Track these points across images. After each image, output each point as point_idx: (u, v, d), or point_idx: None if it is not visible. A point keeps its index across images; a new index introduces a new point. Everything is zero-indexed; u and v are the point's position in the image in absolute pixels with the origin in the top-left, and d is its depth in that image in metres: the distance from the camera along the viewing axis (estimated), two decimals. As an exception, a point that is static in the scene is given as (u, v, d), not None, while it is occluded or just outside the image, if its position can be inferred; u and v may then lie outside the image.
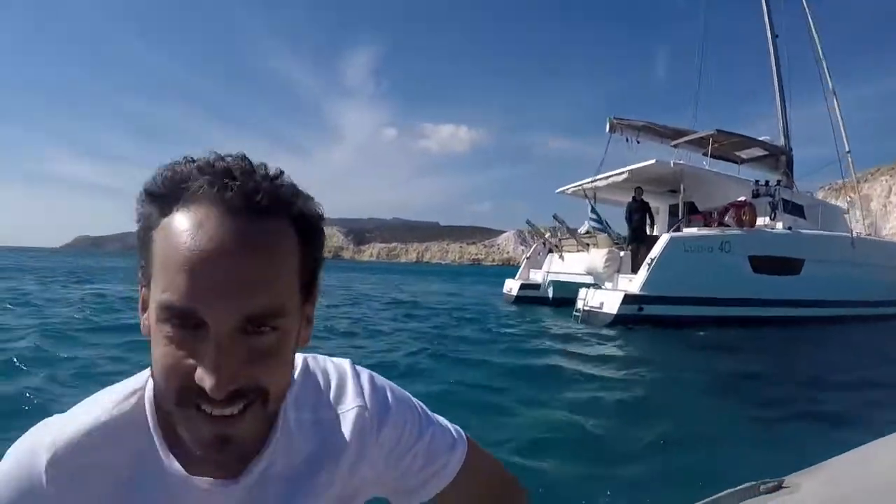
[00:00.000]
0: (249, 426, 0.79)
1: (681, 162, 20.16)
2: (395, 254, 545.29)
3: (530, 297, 23.07)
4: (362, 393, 1.03)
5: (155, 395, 0.84)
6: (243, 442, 0.81)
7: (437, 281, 55.43)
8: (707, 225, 17.60)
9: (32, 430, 0.87)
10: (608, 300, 16.13)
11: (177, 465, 0.85)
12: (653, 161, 18.99)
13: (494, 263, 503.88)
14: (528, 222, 24.49)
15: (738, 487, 2.35)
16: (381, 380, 1.09)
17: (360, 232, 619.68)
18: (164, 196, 0.77)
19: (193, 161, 0.79)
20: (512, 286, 24.21)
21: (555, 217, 21.58)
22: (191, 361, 0.74)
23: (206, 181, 0.75)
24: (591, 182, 21.22)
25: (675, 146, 22.27)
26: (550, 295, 22.19)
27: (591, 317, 16.52)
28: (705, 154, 21.05)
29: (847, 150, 22.12)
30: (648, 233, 18.26)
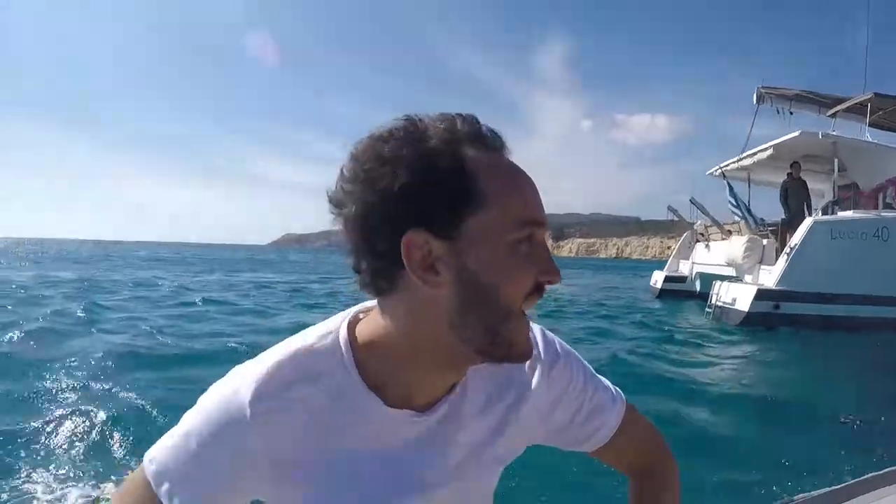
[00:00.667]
0: None
1: (833, 133, 17.31)
2: (594, 249, 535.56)
3: (675, 291, 21.33)
4: (536, 342, 1.10)
5: (479, 322, 0.88)
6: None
7: (609, 273, 55.90)
8: (862, 207, 15.21)
9: (231, 372, 0.96)
10: (740, 295, 14.49)
11: (374, 397, 0.94)
12: (797, 133, 16.43)
13: None
14: (669, 208, 22.26)
15: (885, 471, 2.32)
16: (550, 333, 1.17)
17: (558, 227, 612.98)
18: (455, 137, 0.87)
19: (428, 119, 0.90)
20: (657, 279, 22.74)
21: (692, 201, 19.62)
22: (535, 273, 0.88)
23: (484, 129, 0.91)
24: (737, 161, 18.90)
25: (832, 116, 19.52)
26: (697, 288, 20.54)
27: (722, 314, 14.91)
28: (867, 124, 18.10)
29: None
30: (807, 216, 15.68)
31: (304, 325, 1.01)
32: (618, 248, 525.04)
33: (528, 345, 0.92)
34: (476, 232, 0.86)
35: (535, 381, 1.09)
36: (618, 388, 1.23)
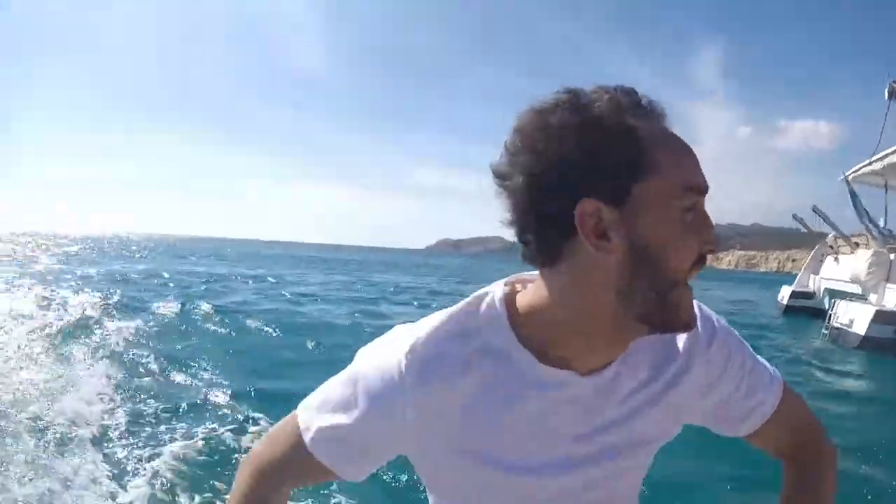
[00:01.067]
0: None
1: None
2: (755, 262, 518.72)
3: (802, 307, 20.00)
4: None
5: (648, 289, 0.89)
6: None
7: (755, 287, 54.90)
8: None
9: (392, 330, 1.02)
10: (858, 317, 13.35)
11: (529, 355, 0.95)
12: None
13: None
14: (795, 217, 20.73)
15: None
16: (707, 309, 1.15)
17: (719, 238, 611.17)
18: (625, 107, 0.89)
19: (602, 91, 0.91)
20: (784, 294, 21.44)
21: (815, 210, 18.21)
22: (701, 240, 0.90)
23: (645, 100, 0.92)
24: (869, 164, 17.34)
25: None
26: (825, 306, 18.70)
27: (839, 336, 13.75)
28: None
29: None
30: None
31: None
32: (779, 262, 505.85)
33: (692, 314, 0.94)
34: (646, 199, 0.87)
35: (694, 357, 1.08)
36: (775, 368, 1.20)
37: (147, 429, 6.59)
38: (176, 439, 6.32)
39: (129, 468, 5.62)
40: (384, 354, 0.97)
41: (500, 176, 0.92)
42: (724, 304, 27.37)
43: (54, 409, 6.79)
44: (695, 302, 1.05)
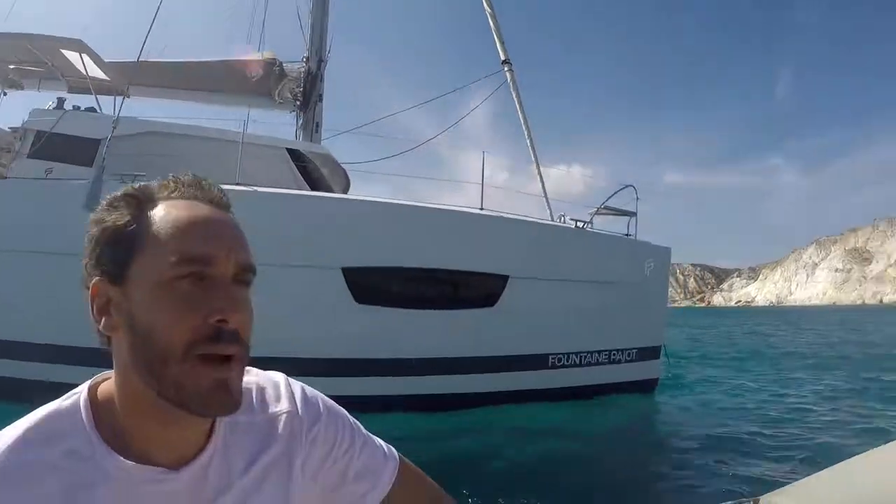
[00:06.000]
0: (237, 376, 0.97)
1: None
2: None
3: None
4: (294, 399, 1.16)
5: (144, 366, 0.94)
6: (236, 390, 0.97)
7: None
8: None
9: None
10: None
11: (113, 454, 0.96)
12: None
13: None
14: None
15: None
16: (313, 391, 1.22)
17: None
18: (143, 197, 1.00)
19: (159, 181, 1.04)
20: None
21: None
22: (200, 311, 0.92)
23: (185, 182, 1.03)
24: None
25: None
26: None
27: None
28: None
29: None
30: None
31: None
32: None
33: (210, 394, 0.93)
34: (138, 274, 0.94)
35: (295, 442, 1.12)
36: (390, 446, 1.29)
37: None
38: None
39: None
40: None
41: None
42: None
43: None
44: (298, 384, 1.20)
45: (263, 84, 15.33)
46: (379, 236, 11.03)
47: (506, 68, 14.35)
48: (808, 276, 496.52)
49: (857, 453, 2.31)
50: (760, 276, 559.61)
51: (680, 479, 7.64)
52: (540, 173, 14.00)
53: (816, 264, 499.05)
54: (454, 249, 11.40)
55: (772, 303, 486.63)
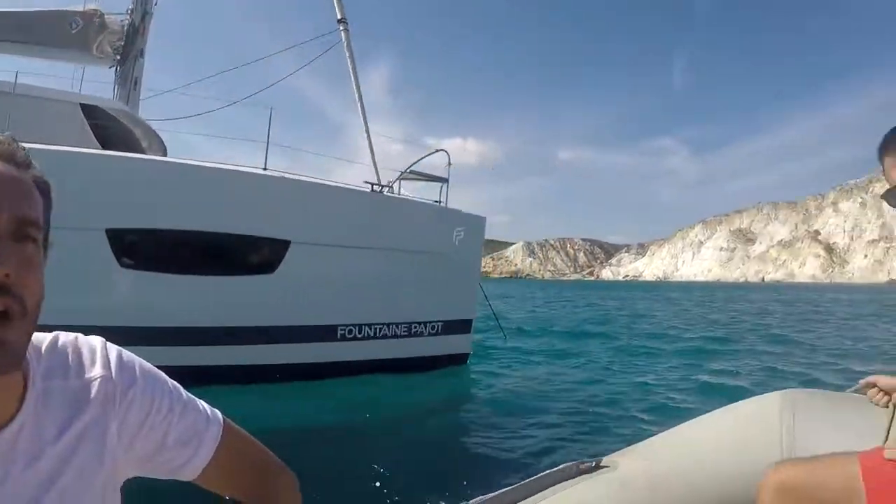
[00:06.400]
0: (13, 334, 0.90)
1: None
2: None
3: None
4: (109, 364, 1.11)
5: None
6: (12, 350, 0.91)
7: None
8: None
9: None
10: None
11: None
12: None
13: (503, 275, 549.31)
14: None
15: (557, 468, 2.60)
16: (130, 355, 1.17)
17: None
18: None
19: None
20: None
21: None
22: None
23: None
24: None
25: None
26: None
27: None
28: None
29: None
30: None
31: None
32: None
33: None
34: None
35: (109, 407, 1.08)
36: (215, 410, 1.25)
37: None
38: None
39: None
40: None
41: None
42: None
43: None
44: (115, 348, 1.15)
45: (82, 37, 14.43)
46: (147, 196, 10.14)
47: (341, 27, 13.67)
48: (694, 253, 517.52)
49: (693, 417, 2.73)
50: (648, 252, 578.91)
51: (491, 454, 7.37)
52: (368, 136, 13.43)
53: (702, 243, 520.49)
54: (230, 211, 10.59)
55: (659, 278, 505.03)
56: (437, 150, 13.71)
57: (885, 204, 2.02)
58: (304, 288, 11.20)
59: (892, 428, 2.17)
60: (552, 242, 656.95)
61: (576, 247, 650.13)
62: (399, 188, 13.61)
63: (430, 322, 13.03)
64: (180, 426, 1.16)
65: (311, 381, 10.80)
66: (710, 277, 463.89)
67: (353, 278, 11.75)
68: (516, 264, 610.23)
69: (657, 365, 14.88)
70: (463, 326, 13.82)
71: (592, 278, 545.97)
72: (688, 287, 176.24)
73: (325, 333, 11.64)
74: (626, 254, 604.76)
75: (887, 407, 2.31)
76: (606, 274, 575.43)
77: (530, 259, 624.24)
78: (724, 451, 2.50)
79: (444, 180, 13.43)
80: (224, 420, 1.25)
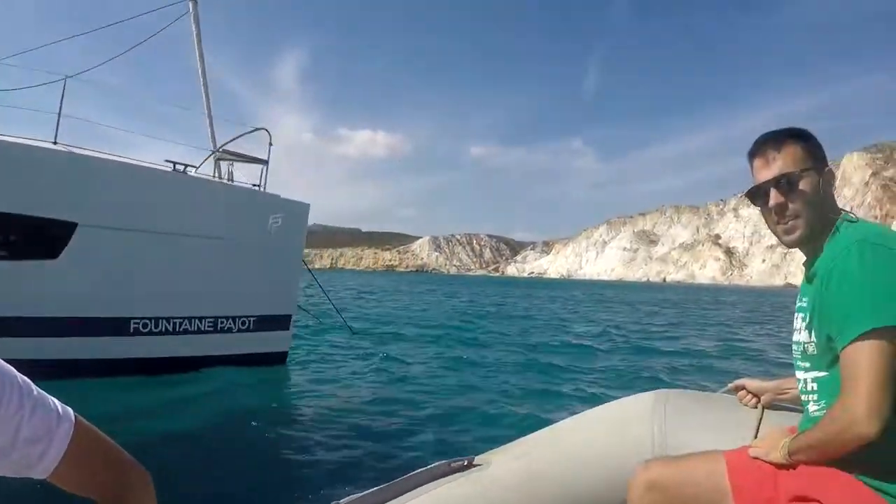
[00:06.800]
0: None
1: None
2: (310, 259, 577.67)
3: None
4: None
5: None
6: None
7: None
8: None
9: None
10: None
11: None
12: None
13: (409, 269, 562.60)
14: None
15: (428, 467, 2.65)
16: None
17: None
18: None
19: None
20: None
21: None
22: None
23: None
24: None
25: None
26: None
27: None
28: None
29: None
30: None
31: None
32: (332, 259, 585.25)
33: None
34: None
35: None
36: (66, 407, 1.21)
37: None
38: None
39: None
40: None
41: None
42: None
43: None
44: None
45: None
46: None
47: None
48: (598, 253, 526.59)
49: (563, 418, 2.91)
50: (553, 250, 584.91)
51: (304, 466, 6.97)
52: (209, 114, 13.15)
53: (606, 242, 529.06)
54: (7, 188, 9.48)
55: (563, 275, 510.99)
56: (257, 129, 13.03)
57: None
58: (92, 276, 10.32)
59: (759, 428, 2.38)
60: (458, 238, 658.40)
61: (482, 243, 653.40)
62: (221, 171, 12.74)
63: (241, 317, 12.19)
64: (31, 423, 1.12)
65: (100, 378, 9.89)
66: (613, 276, 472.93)
67: (149, 266, 10.96)
68: (422, 259, 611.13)
69: (502, 369, 14.37)
70: (280, 322, 13.08)
71: (498, 274, 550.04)
72: (588, 285, 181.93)
73: (116, 327, 10.71)
74: (532, 251, 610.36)
75: (756, 408, 2.51)
76: (511, 270, 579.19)
77: (436, 254, 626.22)
78: (597, 449, 2.58)
79: (264, 162, 12.82)
80: (76, 417, 1.21)
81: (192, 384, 10.61)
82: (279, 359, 13.08)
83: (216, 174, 13.11)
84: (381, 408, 9.69)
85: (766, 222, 2.17)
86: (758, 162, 2.12)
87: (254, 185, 12.82)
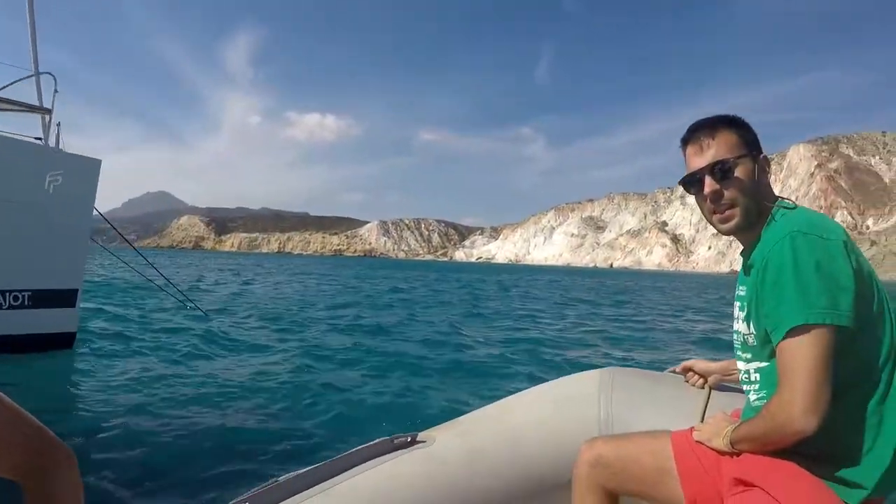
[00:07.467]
0: None
1: None
2: (257, 244, 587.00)
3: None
4: None
5: None
6: None
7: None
8: None
9: None
10: None
11: None
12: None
13: (356, 254, 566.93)
14: None
15: (371, 443, 2.55)
16: None
17: (222, 221, 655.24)
18: None
19: None
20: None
21: None
22: None
23: None
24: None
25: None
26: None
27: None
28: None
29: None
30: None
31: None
32: (280, 243, 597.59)
33: None
34: None
35: None
36: None
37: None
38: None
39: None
40: None
41: None
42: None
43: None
44: None
45: None
46: None
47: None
48: (546, 238, 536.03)
49: (502, 396, 2.84)
50: (502, 235, 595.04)
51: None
52: (35, 54, 11.53)
53: (554, 228, 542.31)
54: None
55: (511, 260, 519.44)
56: (43, 73, 11.16)
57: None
58: None
59: (706, 409, 2.41)
60: (407, 222, 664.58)
61: (430, 227, 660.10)
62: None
63: (10, 291, 10.01)
64: None
65: None
66: (560, 262, 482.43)
67: None
68: (371, 243, 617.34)
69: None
70: (63, 298, 10.85)
71: (446, 259, 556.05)
72: (532, 270, 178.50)
73: None
74: (480, 236, 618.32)
75: (703, 388, 2.53)
76: (459, 255, 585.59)
77: (385, 238, 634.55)
78: (543, 426, 2.56)
79: (46, 111, 10.84)
80: None
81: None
82: (64, 342, 10.86)
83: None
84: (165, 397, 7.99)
85: (702, 210, 2.12)
86: (691, 149, 2.07)
87: (36, 139, 10.71)
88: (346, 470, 2.40)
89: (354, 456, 2.46)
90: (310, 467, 2.38)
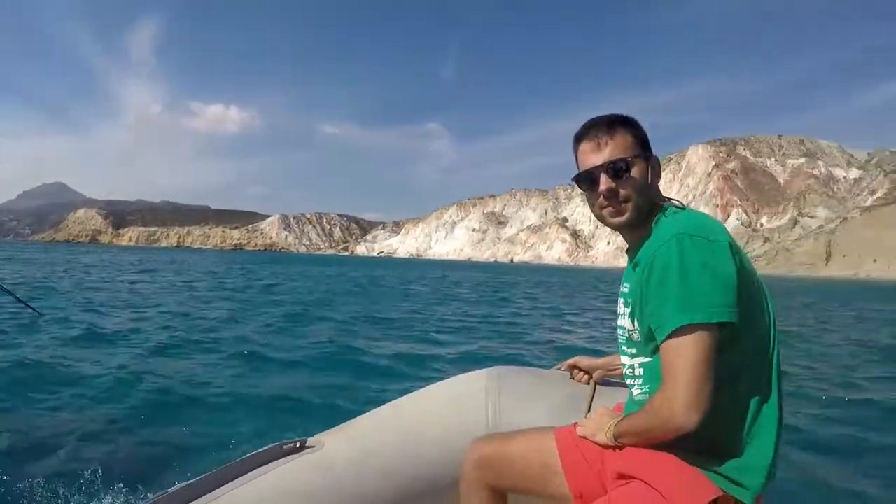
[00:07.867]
0: None
1: None
2: (155, 238, 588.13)
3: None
4: None
5: None
6: None
7: None
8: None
9: None
10: None
11: None
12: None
13: (257, 248, 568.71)
14: None
15: (260, 450, 2.52)
16: None
17: (120, 214, 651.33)
18: None
19: None
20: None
21: None
22: None
23: None
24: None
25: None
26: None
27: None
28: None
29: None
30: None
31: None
32: (179, 237, 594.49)
33: None
34: None
35: None
36: None
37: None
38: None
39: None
40: None
41: None
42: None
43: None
44: None
45: None
46: None
47: None
48: (447, 233, 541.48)
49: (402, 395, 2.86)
50: (403, 230, 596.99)
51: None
52: None
53: (456, 223, 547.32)
54: None
55: (412, 255, 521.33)
56: None
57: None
58: None
59: (592, 404, 2.49)
60: (309, 216, 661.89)
61: (332, 222, 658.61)
62: None
63: None
64: None
65: None
66: (461, 256, 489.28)
67: None
68: (272, 238, 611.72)
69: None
70: None
71: (347, 253, 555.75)
72: (430, 265, 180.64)
73: None
74: (382, 231, 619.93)
75: (588, 384, 2.63)
76: (361, 250, 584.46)
77: (286, 233, 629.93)
78: (432, 427, 2.59)
79: None
80: None
81: None
82: None
83: None
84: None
85: (590, 205, 2.13)
86: (587, 146, 2.08)
87: None
88: (231, 480, 2.36)
89: (242, 465, 2.44)
90: (195, 479, 2.32)
